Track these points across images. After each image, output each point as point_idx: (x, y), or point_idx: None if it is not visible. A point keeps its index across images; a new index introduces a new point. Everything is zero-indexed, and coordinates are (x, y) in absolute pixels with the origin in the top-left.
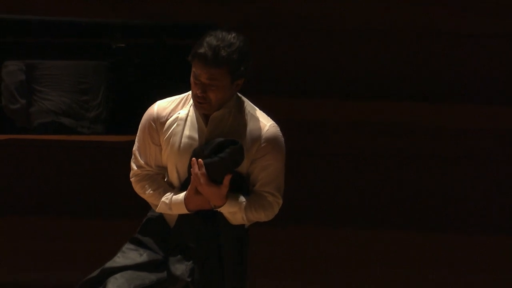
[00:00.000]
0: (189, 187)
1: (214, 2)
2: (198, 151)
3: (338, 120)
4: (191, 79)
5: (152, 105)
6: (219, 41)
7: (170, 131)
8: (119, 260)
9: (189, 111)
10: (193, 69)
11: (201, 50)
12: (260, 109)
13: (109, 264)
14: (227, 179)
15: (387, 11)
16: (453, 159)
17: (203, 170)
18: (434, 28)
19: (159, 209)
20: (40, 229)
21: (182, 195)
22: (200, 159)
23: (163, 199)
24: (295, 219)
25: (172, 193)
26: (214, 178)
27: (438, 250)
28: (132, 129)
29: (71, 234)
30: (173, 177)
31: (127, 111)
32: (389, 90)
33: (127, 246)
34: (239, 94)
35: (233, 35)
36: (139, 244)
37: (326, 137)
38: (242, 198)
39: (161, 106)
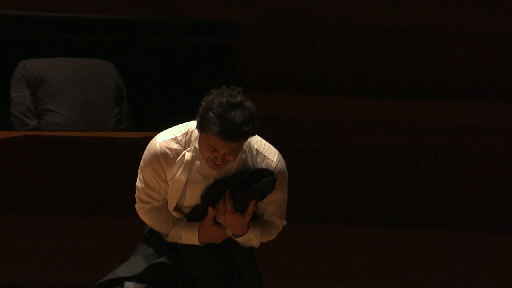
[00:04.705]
0: (205, 219)
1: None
2: (219, 184)
3: (344, 118)
4: (204, 146)
5: (154, 142)
6: (232, 116)
7: (176, 172)
8: (128, 270)
9: (193, 152)
10: (208, 140)
11: (218, 129)
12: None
13: (117, 272)
14: (251, 206)
15: (395, 10)
16: (459, 158)
17: (231, 200)
18: (439, 26)
19: (169, 238)
20: (46, 227)
21: (195, 225)
22: (228, 190)
23: (174, 229)
24: (303, 217)
25: (183, 223)
26: (240, 207)
27: (445, 248)
28: (141, 127)
29: (78, 232)
30: (174, 212)
31: (139, 110)
32: (395, 88)
33: (135, 257)
34: None
35: (239, 98)
36: (146, 254)
37: (332, 135)
38: (258, 225)
39: (163, 145)
